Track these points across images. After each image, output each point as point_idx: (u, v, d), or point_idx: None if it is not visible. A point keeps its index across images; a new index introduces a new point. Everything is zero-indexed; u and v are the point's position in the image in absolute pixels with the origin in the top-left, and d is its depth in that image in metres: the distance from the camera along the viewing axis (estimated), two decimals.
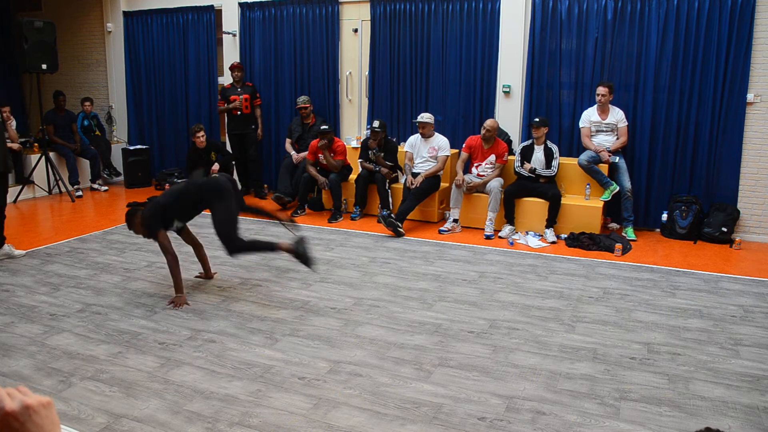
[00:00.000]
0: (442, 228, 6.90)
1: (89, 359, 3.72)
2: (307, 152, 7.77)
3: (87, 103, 9.58)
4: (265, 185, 9.07)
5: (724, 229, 6.47)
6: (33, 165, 8.63)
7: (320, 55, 8.50)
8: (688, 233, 6.59)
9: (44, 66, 8.34)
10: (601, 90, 6.64)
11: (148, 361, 3.69)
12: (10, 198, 8.28)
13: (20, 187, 8.49)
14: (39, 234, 6.80)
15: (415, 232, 6.86)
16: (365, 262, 5.74)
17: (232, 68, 8.56)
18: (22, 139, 8.95)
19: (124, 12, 9.80)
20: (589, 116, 6.85)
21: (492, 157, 6.94)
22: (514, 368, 3.61)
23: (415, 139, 7.27)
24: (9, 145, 8.48)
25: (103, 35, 10.13)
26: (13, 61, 9.52)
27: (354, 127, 8.69)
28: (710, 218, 6.56)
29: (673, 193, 6.83)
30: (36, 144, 9.02)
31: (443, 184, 7.34)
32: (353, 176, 7.75)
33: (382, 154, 7.33)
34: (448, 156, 7.16)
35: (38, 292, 4.89)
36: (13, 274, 5.34)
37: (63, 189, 8.79)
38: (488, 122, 6.87)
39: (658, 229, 6.96)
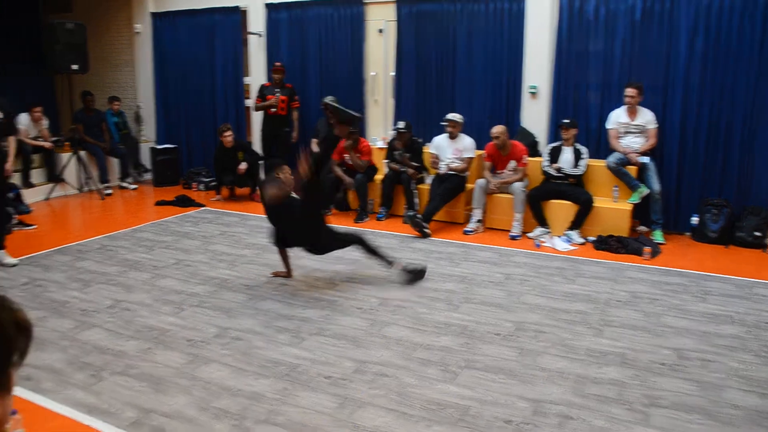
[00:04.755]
0: (466, 228, 6.88)
1: (119, 354, 3.77)
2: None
3: (115, 102, 9.71)
4: None
5: (758, 234, 6.33)
6: (64, 163, 8.77)
7: (346, 56, 8.52)
8: (720, 237, 6.47)
9: (75, 67, 8.48)
10: (630, 91, 6.56)
11: (176, 358, 3.73)
12: (42, 196, 8.46)
13: (52, 185, 8.64)
14: (70, 231, 6.91)
15: (441, 232, 6.84)
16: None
17: (274, 71, 8.55)
18: (54, 138, 9.09)
19: (152, 13, 9.92)
20: (617, 117, 6.77)
21: (512, 163, 6.88)
22: (541, 371, 3.58)
23: (440, 140, 7.25)
24: (41, 143, 8.66)
25: (131, 36, 10.25)
26: (45, 62, 9.68)
27: (380, 127, 8.69)
28: (743, 222, 6.44)
29: (704, 196, 6.72)
30: (67, 143, 9.16)
31: (469, 185, 7.30)
32: (379, 176, 7.76)
33: (408, 154, 7.32)
34: (472, 158, 7.13)
35: (70, 288, 4.96)
36: (46, 270, 5.43)
37: (93, 187, 8.92)
38: (494, 130, 6.76)
39: (689, 233, 6.84)
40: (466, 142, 7.13)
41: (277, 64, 8.61)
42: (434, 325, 4.27)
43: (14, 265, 5.51)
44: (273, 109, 8.50)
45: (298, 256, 5.77)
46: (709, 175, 6.73)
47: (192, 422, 3.01)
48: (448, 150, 7.14)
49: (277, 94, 8.48)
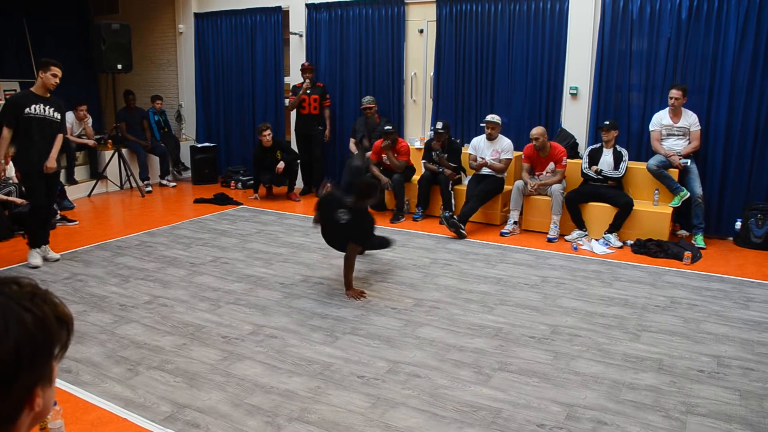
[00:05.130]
0: (503, 230, 6.83)
1: (155, 349, 3.84)
2: (370, 152, 7.81)
3: (158, 101, 9.89)
4: (328, 184, 9.14)
5: None
6: (106, 161, 8.97)
7: (385, 56, 8.53)
8: (764, 242, 6.30)
9: (120, 66, 8.65)
10: (674, 93, 6.42)
11: (211, 354, 3.78)
12: (85, 192, 8.65)
13: (94, 182, 8.84)
14: (111, 227, 7.05)
15: (477, 234, 6.80)
16: (426, 263, 5.73)
17: (303, 69, 8.65)
18: (97, 136, 9.29)
19: (195, 14, 10.06)
20: (660, 119, 6.64)
21: (551, 165, 6.81)
22: (576, 376, 3.53)
23: (478, 141, 7.21)
24: (85, 141, 8.88)
25: (174, 36, 10.43)
26: (91, 61, 9.93)
27: (418, 127, 8.67)
28: None
29: (748, 200, 6.55)
30: (110, 141, 9.36)
31: (506, 187, 7.24)
32: (416, 177, 7.75)
33: (446, 155, 7.30)
34: (511, 159, 7.07)
35: (109, 283, 5.07)
36: (87, 265, 5.56)
37: (134, 184, 9.09)
38: (534, 131, 6.69)
39: (731, 238, 6.68)
40: (505, 143, 7.07)
41: (305, 63, 8.69)
42: (468, 326, 4.25)
43: (56, 260, 5.65)
44: (308, 91, 8.57)
45: (332, 255, 5.81)
46: (756, 180, 6.55)
47: (225, 418, 3.05)
48: (487, 151, 7.09)
49: (310, 94, 8.56)
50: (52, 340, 0.94)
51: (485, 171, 7.08)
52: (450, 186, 7.23)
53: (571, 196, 6.64)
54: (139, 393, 3.28)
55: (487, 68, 7.87)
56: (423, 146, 7.82)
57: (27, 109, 5.22)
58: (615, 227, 6.43)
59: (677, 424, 3.03)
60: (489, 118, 7.08)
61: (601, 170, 6.59)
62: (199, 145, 9.92)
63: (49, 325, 0.93)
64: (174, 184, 9.73)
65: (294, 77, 9.16)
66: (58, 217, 7.09)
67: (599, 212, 6.57)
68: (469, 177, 7.31)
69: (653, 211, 6.47)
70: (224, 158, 10.20)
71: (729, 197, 6.68)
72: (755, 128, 6.46)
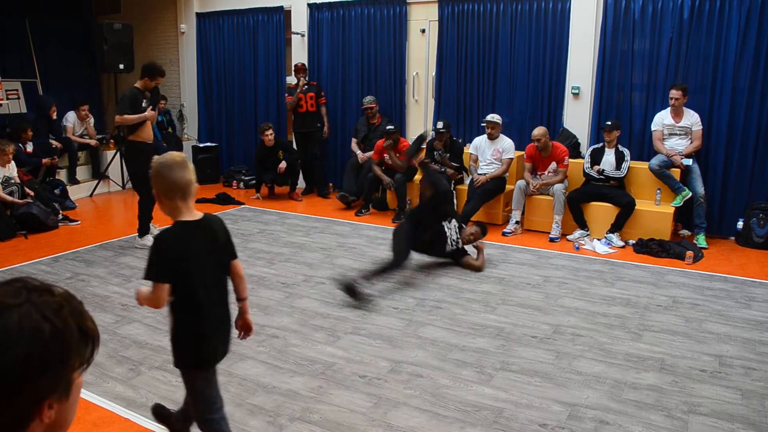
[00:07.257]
0: (505, 230, 6.82)
1: (157, 349, 3.84)
2: (372, 152, 7.81)
3: (161, 102, 9.89)
4: (330, 184, 9.17)
5: None
6: (108, 161, 8.97)
7: (387, 56, 8.52)
8: (766, 242, 6.29)
9: (121, 66, 8.66)
10: (674, 93, 6.41)
11: None
12: (86, 192, 8.66)
13: (96, 181, 8.85)
14: (113, 227, 7.05)
15: None
16: (428, 263, 5.72)
17: (296, 69, 8.69)
18: (99, 136, 9.29)
19: (197, 13, 10.06)
20: (662, 119, 6.63)
21: (553, 165, 6.81)
22: (578, 375, 3.53)
23: (479, 140, 7.21)
24: (87, 141, 8.89)
25: (176, 36, 10.43)
26: (93, 61, 9.93)
27: (420, 127, 8.66)
28: None
29: (750, 200, 6.54)
30: (112, 140, 9.37)
31: (508, 186, 7.24)
32: (418, 177, 7.74)
33: (448, 155, 7.29)
34: (512, 159, 7.07)
35: (111, 283, 5.07)
36: (89, 264, 5.56)
37: None
38: (536, 132, 6.69)
39: (733, 238, 6.67)
40: (506, 143, 7.07)
41: (298, 64, 8.71)
42: (470, 326, 4.25)
43: None
44: (305, 87, 8.62)
45: (333, 255, 5.81)
46: (758, 179, 6.54)
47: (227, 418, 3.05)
48: (488, 151, 7.09)
49: (306, 93, 8.58)
50: (70, 353, 0.92)
51: (487, 171, 7.07)
52: (452, 185, 7.22)
53: (573, 196, 6.64)
54: (140, 393, 3.29)
55: (489, 68, 7.86)
56: (425, 146, 7.81)
57: (144, 103, 5.92)
58: (617, 227, 6.43)
59: (679, 423, 3.03)
60: (489, 117, 7.08)
61: (603, 170, 6.58)
62: (201, 145, 9.92)
63: (68, 337, 0.92)
64: None
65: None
66: (60, 216, 7.10)
67: (601, 212, 6.57)
68: (471, 177, 7.31)
69: (655, 210, 6.46)
70: (226, 158, 10.19)
71: (731, 197, 6.67)
72: (757, 128, 6.45)
